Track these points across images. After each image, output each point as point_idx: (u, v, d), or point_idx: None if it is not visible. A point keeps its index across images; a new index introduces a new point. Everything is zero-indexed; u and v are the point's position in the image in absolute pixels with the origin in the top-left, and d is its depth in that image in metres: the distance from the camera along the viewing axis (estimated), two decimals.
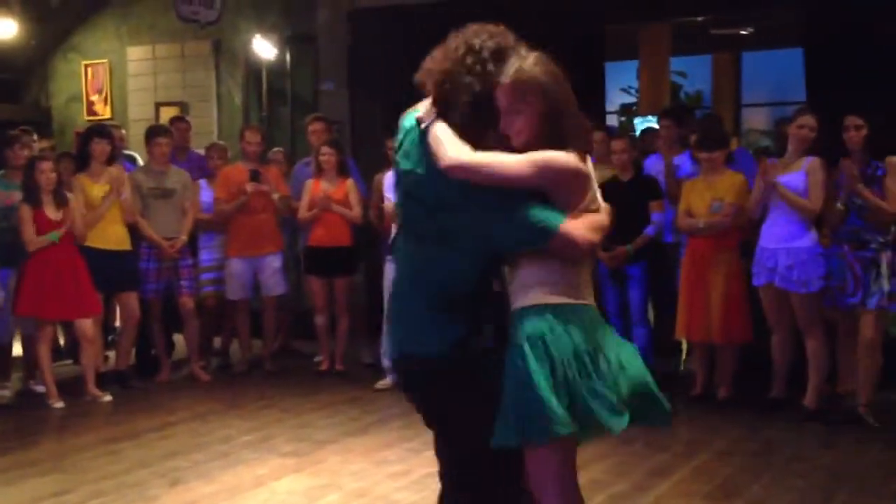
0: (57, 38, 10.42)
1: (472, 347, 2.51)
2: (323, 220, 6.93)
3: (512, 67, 2.49)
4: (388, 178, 6.63)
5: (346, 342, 7.12)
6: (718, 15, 9.45)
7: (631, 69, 12.23)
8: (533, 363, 2.41)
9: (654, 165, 6.87)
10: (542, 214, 2.46)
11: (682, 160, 6.64)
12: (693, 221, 5.95)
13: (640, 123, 11.22)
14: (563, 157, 2.47)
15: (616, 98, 12.64)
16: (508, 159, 2.44)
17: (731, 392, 5.93)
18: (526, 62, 2.51)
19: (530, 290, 2.50)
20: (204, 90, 9.83)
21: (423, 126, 2.53)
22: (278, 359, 7.40)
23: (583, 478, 4.46)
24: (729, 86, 12.71)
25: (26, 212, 6.04)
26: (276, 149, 8.11)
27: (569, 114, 2.53)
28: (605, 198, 5.98)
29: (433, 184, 2.48)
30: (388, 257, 6.57)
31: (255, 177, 6.93)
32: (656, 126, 7.57)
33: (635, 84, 12.61)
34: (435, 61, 2.62)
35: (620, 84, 12.72)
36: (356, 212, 6.97)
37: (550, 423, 2.39)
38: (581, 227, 2.51)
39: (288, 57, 9.41)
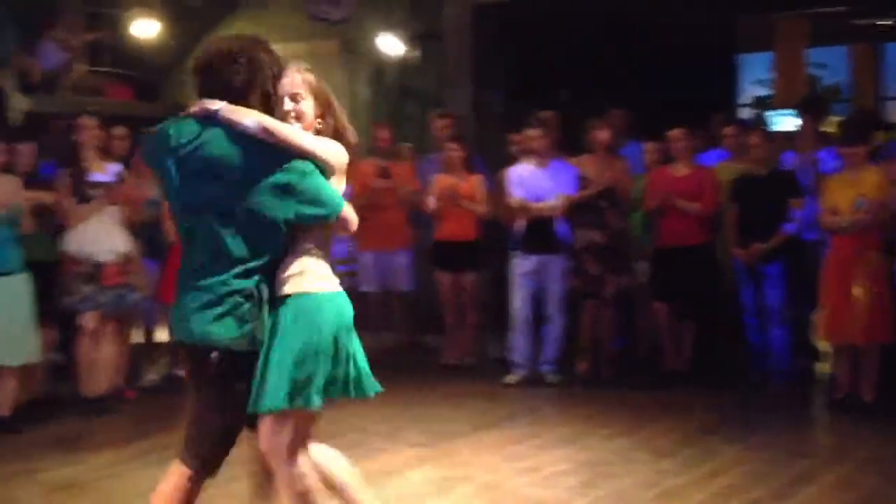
0: (194, 38, 10.81)
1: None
2: (450, 214, 6.98)
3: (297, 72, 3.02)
4: (513, 172, 6.64)
5: (473, 336, 7.14)
6: (858, 4, 9.10)
7: (766, 61, 11.85)
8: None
9: (788, 162, 6.65)
10: (334, 191, 2.95)
11: (826, 155, 6.40)
12: (836, 220, 5.72)
13: (774, 116, 10.87)
14: (339, 146, 2.99)
15: (751, 90, 12.28)
16: (303, 133, 2.93)
17: (875, 396, 5.68)
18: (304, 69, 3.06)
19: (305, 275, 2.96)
20: (333, 87, 9.87)
21: (215, 110, 2.85)
22: (407, 352, 7.49)
23: (718, 484, 4.42)
24: (869, 78, 12.18)
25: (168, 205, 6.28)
26: (405, 144, 8.20)
27: (332, 114, 3.05)
28: (740, 194, 5.94)
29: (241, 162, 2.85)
30: (515, 252, 6.58)
31: (383, 173, 7.03)
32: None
33: (770, 76, 12.21)
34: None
35: (755, 76, 12.35)
36: (482, 207, 6.99)
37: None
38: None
39: (414, 54, 9.52)
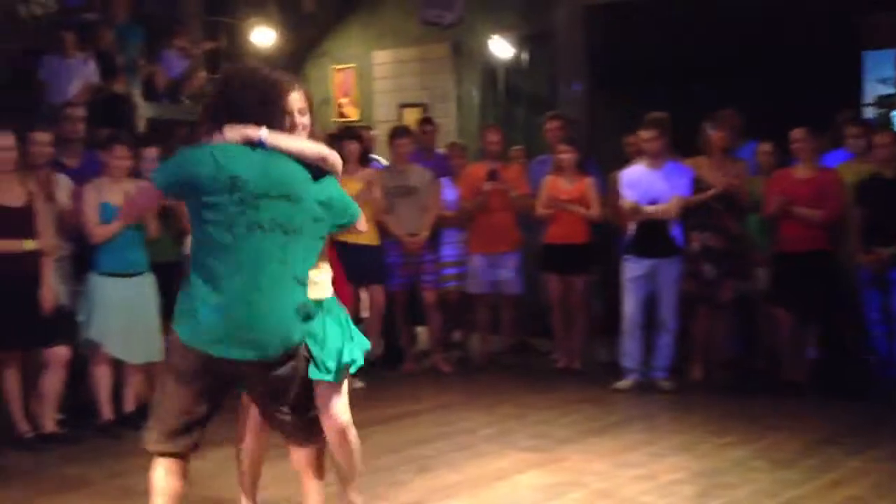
0: (310, 45, 11.07)
1: None
2: (560, 217, 6.94)
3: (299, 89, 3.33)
4: (626, 174, 6.55)
5: (583, 340, 7.08)
6: None
7: (892, 58, 11.35)
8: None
9: None
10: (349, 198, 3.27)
11: None
12: None
13: None
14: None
15: (874, 89, 11.79)
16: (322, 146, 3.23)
17: None
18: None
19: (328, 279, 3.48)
20: (443, 91, 10.11)
21: (259, 137, 3.05)
22: (515, 355, 7.48)
23: (840, 495, 4.25)
24: None
25: None
26: (515, 147, 8.20)
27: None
28: (865, 197, 5.77)
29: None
30: (626, 256, 6.49)
31: (492, 176, 7.04)
32: None
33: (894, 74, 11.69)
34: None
35: (879, 74, 11.85)
36: (595, 210, 6.92)
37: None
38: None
39: (525, 56, 9.50)
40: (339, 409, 3.55)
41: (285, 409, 3.26)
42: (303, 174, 3.09)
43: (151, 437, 3.24)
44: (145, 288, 5.49)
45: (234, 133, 3.05)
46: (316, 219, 3.10)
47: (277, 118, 3.11)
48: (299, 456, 3.46)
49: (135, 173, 5.58)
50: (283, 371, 3.13)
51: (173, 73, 9.58)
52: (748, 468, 4.72)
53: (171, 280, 5.64)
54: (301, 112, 3.26)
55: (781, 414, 5.73)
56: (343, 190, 3.23)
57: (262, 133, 3.03)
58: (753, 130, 7.21)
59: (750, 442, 5.15)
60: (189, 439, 3.22)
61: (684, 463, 4.83)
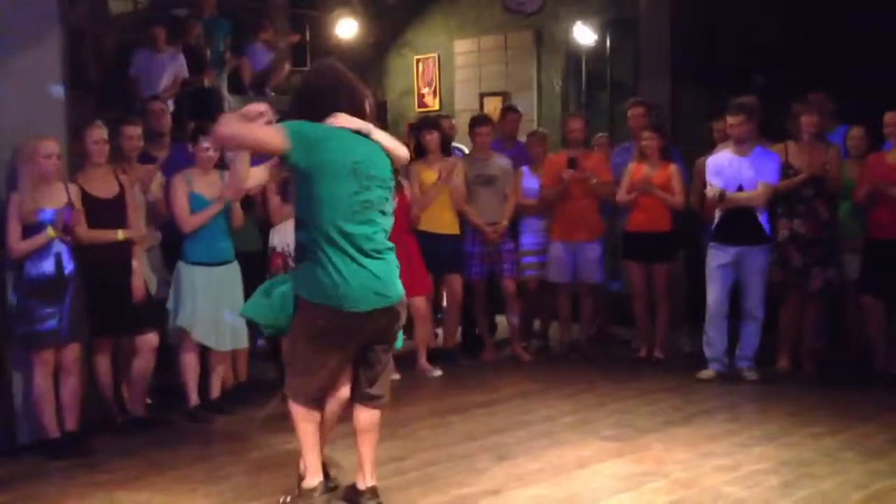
0: (392, 35, 11.15)
1: None
2: (643, 205, 6.84)
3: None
4: (711, 161, 6.42)
5: (665, 330, 6.98)
6: None
7: None
8: None
9: None
10: None
11: None
12: None
13: None
14: None
15: None
16: None
17: None
18: None
19: None
20: (525, 79, 10.07)
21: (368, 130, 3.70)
22: (596, 344, 7.42)
23: None
24: None
25: None
26: (599, 134, 8.12)
27: None
28: None
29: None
30: (711, 244, 6.36)
31: (571, 164, 6.98)
32: None
33: None
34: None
35: None
36: (679, 198, 6.80)
37: None
38: None
39: (608, 42, 9.39)
40: None
41: (383, 357, 3.90)
42: (390, 166, 3.76)
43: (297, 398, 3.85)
44: (231, 276, 5.62)
45: (350, 121, 3.60)
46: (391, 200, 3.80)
47: (362, 117, 3.70)
48: (367, 416, 3.96)
49: (220, 164, 5.71)
50: (391, 316, 3.76)
51: (259, 66, 9.77)
52: (836, 459, 4.60)
53: (253, 269, 5.79)
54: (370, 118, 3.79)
55: (872, 404, 5.56)
56: None
57: (372, 128, 3.66)
58: (844, 114, 7.00)
59: (839, 432, 5.03)
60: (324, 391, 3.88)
61: (770, 453, 4.73)
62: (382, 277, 3.68)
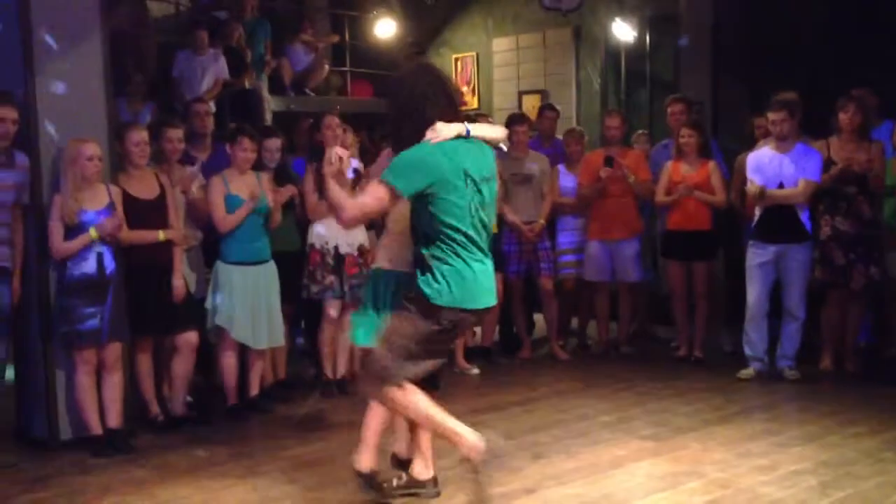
0: (430, 35, 11.17)
1: None
2: (682, 203, 6.78)
3: None
4: (752, 158, 6.34)
5: (705, 329, 6.91)
6: None
7: None
8: None
9: None
10: None
11: None
12: None
13: None
14: None
15: None
16: None
17: None
18: None
19: None
20: (564, 77, 10.03)
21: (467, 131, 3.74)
22: (635, 342, 7.38)
23: None
24: None
25: None
26: (639, 131, 8.06)
27: None
28: None
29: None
30: (751, 242, 6.29)
31: (608, 162, 6.94)
32: None
33: None
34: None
35: None
36: (720, 196, 6.73)
37: None
38: None
39: (647, 38, 9.32)
40: None
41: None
42: (492, 155, 3.85)
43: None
44: (269, 276, 5.67)
45: (448, 130, 3.66)
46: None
47: (458, 117, 3.77)
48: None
49: (258, 165, 5.77)
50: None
51: (299, 66, 9.86)
52: (877, 459, 4.54)
53: (290, 268, 5.84)
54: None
55: None
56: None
57: (469, 127, 3.71)
58: (890, 110, 6.87)
59: (881, 432, 4.96)
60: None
61: (809, 453, 4.68)
62: (492, 275, 3.84)
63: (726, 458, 4.65)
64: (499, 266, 6.97)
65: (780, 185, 6.16)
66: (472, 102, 10.70)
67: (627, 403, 5.76)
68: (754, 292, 6.24)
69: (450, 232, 3.68)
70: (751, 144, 6.69)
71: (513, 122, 7.24)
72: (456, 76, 10.90)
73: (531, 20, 10.22)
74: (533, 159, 7.17)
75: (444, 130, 3.66)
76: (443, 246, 3.68)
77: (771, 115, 6.20)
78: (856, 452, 4.65)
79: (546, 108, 8.10)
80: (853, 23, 7.71)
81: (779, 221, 6.18)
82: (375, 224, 6.63)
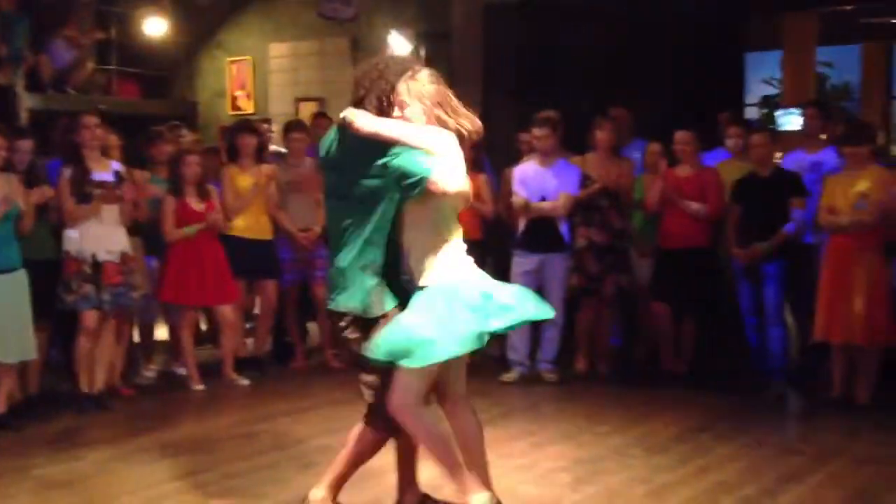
0: (203, 36, 10.89)
1: None
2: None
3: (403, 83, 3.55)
4: (518, 171, 6.65)
5: None
6: (869, 3, 9.03)
7: (774, 60, 11.80)
8: None
9: (793, 162, 6.63)
10: None
11: (825, 155, 6.38)
12: (836, 219, 5.70)
13: (782, 116, 10.83)
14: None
15: (758, 90, 12.22)
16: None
17: (871, 396, 5.66)
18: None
19: None
20: (342, 85, 10.03)
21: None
22: None
23: (709, 480, 4.42)
24: (879, 77, 12.11)
25: (170, 203, 6.32)
26: None
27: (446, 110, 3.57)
28: (742, 194, 6.01)
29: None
30: (516, 251, 6.59)
31: None
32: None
33: (778, 75, 12.17)
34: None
35: (763, 75, 12.30)
36: (488, 207, 6.99)
37: None
38: None
39: (422, 53, 9.53)
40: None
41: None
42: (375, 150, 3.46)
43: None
44: (18, 285, 5.31)
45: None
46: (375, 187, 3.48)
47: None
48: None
49: (7, 165, 5.41)
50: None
51: (60, 63, 9.33)
52: (624, 455, 4.86)
53: (45, 277, 5.50)
54: (401, 106, 3.54)
55: (659, 403, 5.91)
56: (408, 156, 3.43)
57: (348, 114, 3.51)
58: (642, 130, 7.42)
59: (627, 430, 5.32)
60: None
61: (565, 452, 4.95)
62: None
63: (489, 458, 4.81)
64: (273, 273, 6.94)
65: (543, 198, 6.49)
66: (249, 107, 10.54)
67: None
68: None
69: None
70: (517, 159, 7.01)
71: (290, 129, 7.20)
72: (231, 79, 10.69)
73: (309, 27, 10.20)
74: (309, 167, 7.15)
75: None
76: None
77: (535, 132, 6.53)
78: (606, 449, 4.96)
79: (319, 115, 8.12)
80: (611, 47, 8.26)
81: (541, 232, 6.51)
82: (143, 229, 6.41)
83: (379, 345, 3.41)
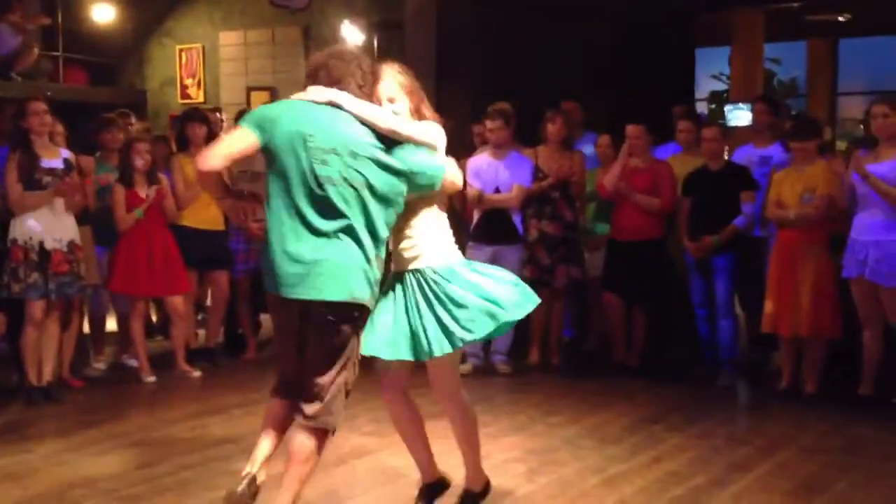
0: (152, 23, 10.72)
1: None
2: None
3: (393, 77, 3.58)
4: (472, 163, 6.66)
5: None
6: (814, 1, 9.20)
7: (723, 55, 11.98)
8: None
9: (743, 157, 6.74)
10: None
11: (774, 150, 6.49)
12: (783, 213, 5.82)
13: (731, 111, 11.00)
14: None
15: (706, 85, 12.40)
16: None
17: (818, 388, 5.79)
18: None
19: None
20: (294, 75, 9.97)
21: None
22: None
23: (661, 470, 4.49)
24: (825, 73, 12.36)
25: (119, 192, 6.24)
26: None
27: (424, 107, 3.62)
28: (693, 187, 6.05)
29: None
30: (470, 243, 6.61)
31: None
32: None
33: (727, 71, 12.35)
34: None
35: (711, 70, 12.48)
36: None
37: None
38: None
39: (375, 43, 9.50)
40: None
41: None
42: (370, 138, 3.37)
43: None
44: None
45: (318, 94, 3.38)
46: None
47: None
48: None
49: None
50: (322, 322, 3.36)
51: (5, 49, 9.13)
52: (577, 446, 4.92)
53: None
54: (391, 100, 3.53)
55: (611, 394, 5.98)
56: (424, 154, 3.45)
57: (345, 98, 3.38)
58: (593, 123, 7.48)
59: (580, 421, 5.37)
60: None
61: (518, 442, 4.98)
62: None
63: (444, 450, 4.76)
64: (225, 264, 6.88)
65: (497, 190, 6.52)
66: (199, 96, 10.41)
67: (352, 402, 5.76)
68: None
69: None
70: (470, 150, 7.03)
71: (242, 118, 7.12)
72: (181, 68, 10.55)
73: (260, 16, 10.10)
74: (261, 157, 7.06)
75: (313, 92, 3.41)
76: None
77: (488, 124, 6.55)
78: (558, 440, 5.02)
79: None
80: (565, 39, 8.30)
81: (495, 224, 6.54)
82: (91, 218, 6.30)
83: (473, 321, 3.52)
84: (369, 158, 3.34)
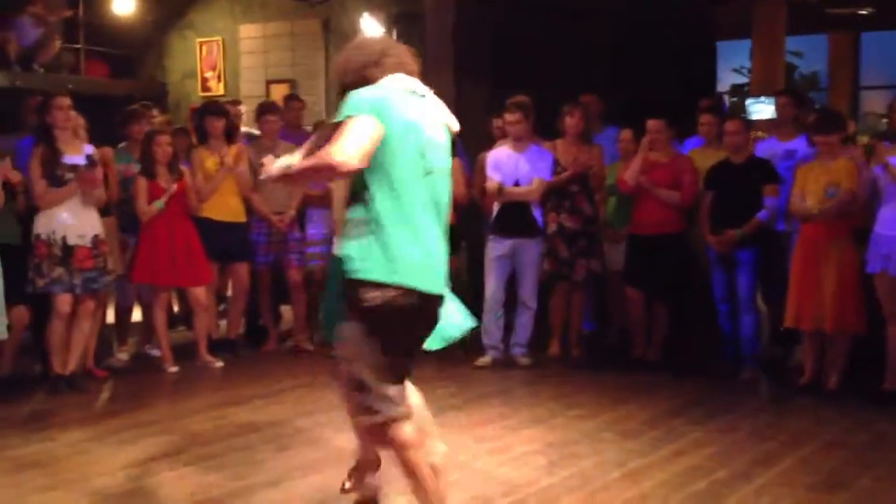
0: (173, 16, 10.76)
1: None
2: None
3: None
4: (492, 156, 6.66)
5: None
6: None
7: (744, 49, 11.90)
8: None
9: (766, 150, 6.70)
10: None
11: (799, 143, 6.45)
12: (807, 207, 5.78)
13: (752, 104, 10.93)
14: None
15: (727, 78, 12.33)
16: None
17: (841, 383, 5.75)
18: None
19: None
20: (313, 68, 10.01)
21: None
22: None
23: (681, 464, 4.48)
24: (847, 67, 12.26)
25: (142, 183, 6.28)
26: None
27: None
28: (716, 181, 5.99)
29: None
30: (489, 236, 6.61)
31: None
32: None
33: (748, 64, 12.27)
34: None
35: (732, 64, 12.40)
36: (461, 190, 6.98)
37: None
38: None
39: (395, 35, 9.49)
40: None
41: None
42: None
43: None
44: None
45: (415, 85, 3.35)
46: None
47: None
48: None
49: None
50: None
51: (27, 41, 9.19)
52: (597, 439, 4.91)
53: (11, 261, 5.42)
54: None
55: (631, 388, 5.96)
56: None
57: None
58: (613, 117, 7.45)
59: (600, 414, 5.36)
60: None
61: (538, 435, 4.98)
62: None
63: (463, 442, 4.84)
64: (246, 256, 6.90)
65: (517, 183, 6.51)
66: (219, 89, 10.45)
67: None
68: (491, 284, 6.55)
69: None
70: (490, 144, 7.02)
71: (263, 111, 7.15)
72: (201, 60, 10.58)
73: (280, 8, 10.12)
74: (283, 149, 7.07)
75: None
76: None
77: (507, 117, 6.54)
78: (578, 433, 5.00)
79: (291, 98, 8.06)
80: (585, 32, 8.28)
81: (515, 217, 6.53)
82: (115, 208, 6.35)
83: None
84: (445, 148, 3.35)
